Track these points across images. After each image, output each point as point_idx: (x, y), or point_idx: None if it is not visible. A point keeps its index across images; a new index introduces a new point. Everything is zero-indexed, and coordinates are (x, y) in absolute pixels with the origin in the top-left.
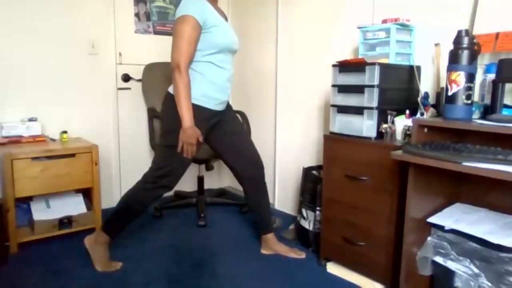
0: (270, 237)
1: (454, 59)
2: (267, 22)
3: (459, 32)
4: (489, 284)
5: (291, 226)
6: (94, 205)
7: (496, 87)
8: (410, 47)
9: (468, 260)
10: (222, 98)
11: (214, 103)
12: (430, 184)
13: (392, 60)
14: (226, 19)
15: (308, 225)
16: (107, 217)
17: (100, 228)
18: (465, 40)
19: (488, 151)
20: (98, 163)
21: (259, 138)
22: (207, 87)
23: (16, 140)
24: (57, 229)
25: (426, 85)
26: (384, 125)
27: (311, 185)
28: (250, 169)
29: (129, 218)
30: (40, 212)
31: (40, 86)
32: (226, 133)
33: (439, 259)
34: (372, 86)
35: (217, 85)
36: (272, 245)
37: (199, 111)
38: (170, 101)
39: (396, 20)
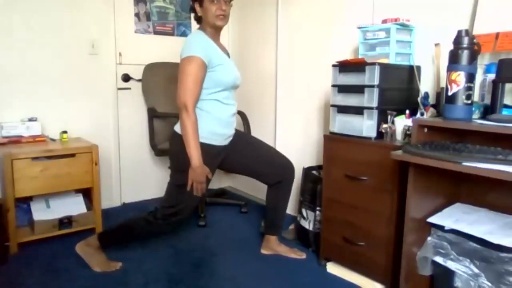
0: (273, 238)
1: (454, 59)
2: (267, 22)
3: (459, 32)
4: (489, 284)
5: (291, 226)
6: (94, 205)
7: (496, 87)
8: (410, 47)
9: (468, 260)
10: (228, 133)
11: (221, 139)
12: (430, 184)
13: (392, 60)
14: (228, 55)
15: (308, 225)
16: (107, 231)
17: (96, 236)
18: (465, 40)
19: (488, 151)
20: (98, 163)
21: (259, 138)
22: (213, 124)
23: (16, 140)
24: (57, 229)
25: (426, 85)
26: (384, 125)
27: (311, 185)
28: (283, 173)
29: (129, 240)
30: (40, 212)
31: (40, 86)
32: (242, 151)
33: (439, 259)
34: (372, 86)
35: (223, 121)
36: (273, 246)
37: (207, 149)
38: (178, 141)
39: (396, 20)
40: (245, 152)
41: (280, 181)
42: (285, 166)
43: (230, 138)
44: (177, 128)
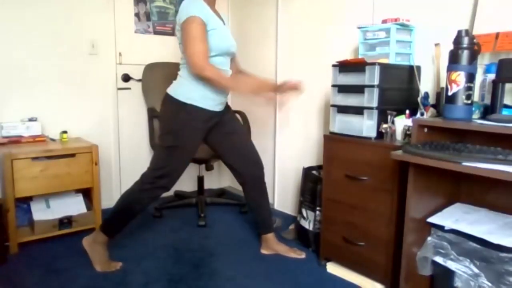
0: (270, 237)
1: (454, 59)
2: (267, 22)
3: (459, 32)
4: (489, 284)
5: (291, 226)
6: (94, 205)
7: (496, 87)
8: (410, 47)
9: (468, 260)
10: (220, 98)
11: (213, 104)
12: (430, 184)
13: (392, 60)
14: (223, 22)
15: (308, 225)
16: (106, 217)
17: (99, 228)
18: (465, 40)
19: (488, 151)
20: (98, 163)
21: (259, 138)
22: (206, 88)
23: (16, 140)
24: (57, 229)
25: (426, 85)
26: (384, 125)
27: (311, 185)
28: (250, 170)
29: (127, 218)
30: (40, 212)
31: (40, 86)
32: (225, 133)
33: (439, 259)
34: (372, 86)
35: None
36: (272, 245)
37: (198, 112)
38: (169, 102)
39: (396, 20)
40: (227, 137)
41: (245, 182)
42: (252, 165)
43: (222, 106)
44: (170, 90)
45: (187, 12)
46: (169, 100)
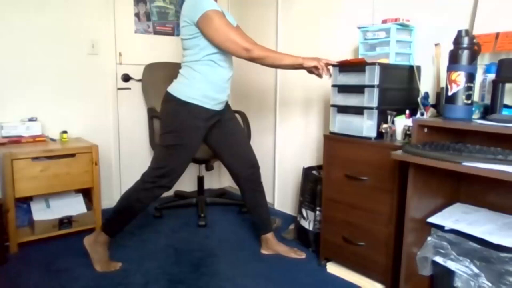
0: (270, 237)
1: (454, 59)
2: (267, 22)
3: (459, 32)
4: (489, 284)
5: (291, 226)
6: (94, 205)
7: (496, 87)
8: (410, 47)
9: (468, 260)
10: (221, 98)
11: (213, 103)
12: (430, 184)
13: (392, 60)
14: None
15: (308, 225)
16: (107, 217)
17: (100, 228)
18: (465, 40)
19: (488, 151)
20: (98, 163)
21: (259, 138)
22: (207, 87)
23: (16, 140)
24: (57, 229)
25: (426, 85)
26: (384, 125)
27: (311, 185)
28: (245, 171)
29: (128, 217)
30: (40, 212)
31: (40, 86)
32: (223, 133)
33: (439, 259)
34: (372, 86)
35: (217, 85)
36: (272, 245)
37: (199, 111)
38: (170, 101)
39: (396, 20)
40: (226, 137)
41: (240, 184)
42: (248, 167)
43: (223, 105)
44: (170, 89)
45: (202, 7)
46: (170, 99)
